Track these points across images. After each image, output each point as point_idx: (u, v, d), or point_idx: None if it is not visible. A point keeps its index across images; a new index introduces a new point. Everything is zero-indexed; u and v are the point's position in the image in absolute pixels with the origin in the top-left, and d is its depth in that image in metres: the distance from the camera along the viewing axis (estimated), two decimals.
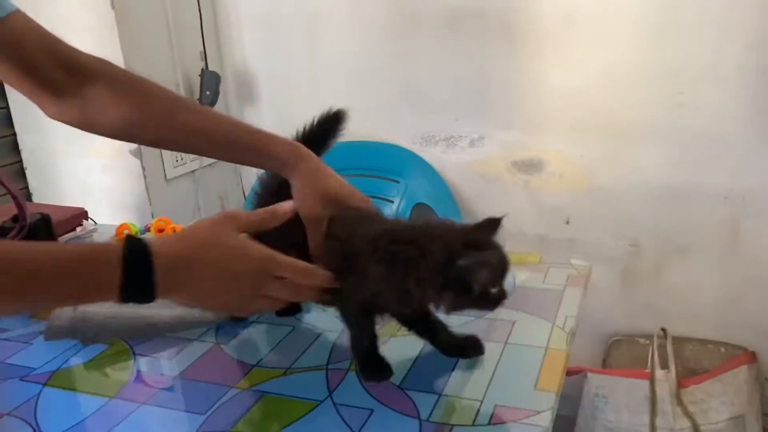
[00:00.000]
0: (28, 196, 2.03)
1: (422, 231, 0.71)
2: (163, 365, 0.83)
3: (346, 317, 0.78)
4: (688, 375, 1.71)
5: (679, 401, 1.65)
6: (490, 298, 0.70)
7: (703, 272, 1.74)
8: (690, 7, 1.57)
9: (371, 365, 0.77)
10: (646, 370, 1.69)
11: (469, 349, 0.79)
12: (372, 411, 0.70)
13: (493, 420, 0.67)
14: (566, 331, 0.83)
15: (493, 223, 0.72)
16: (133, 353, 0.87)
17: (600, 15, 1.66)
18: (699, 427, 1.62)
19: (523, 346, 0.81)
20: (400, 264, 0.69)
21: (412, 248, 0.68)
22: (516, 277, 1.00)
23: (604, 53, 1.68)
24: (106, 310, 0.94)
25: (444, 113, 1.90)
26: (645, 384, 1.67)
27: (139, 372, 0.82)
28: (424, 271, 0.67)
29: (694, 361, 1.76)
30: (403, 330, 0.82)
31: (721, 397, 1.65)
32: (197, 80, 1.93)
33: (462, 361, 0.78)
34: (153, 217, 1.86)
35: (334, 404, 0.72)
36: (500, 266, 0.69)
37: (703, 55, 1.58)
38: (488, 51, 1.79)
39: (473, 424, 0.67)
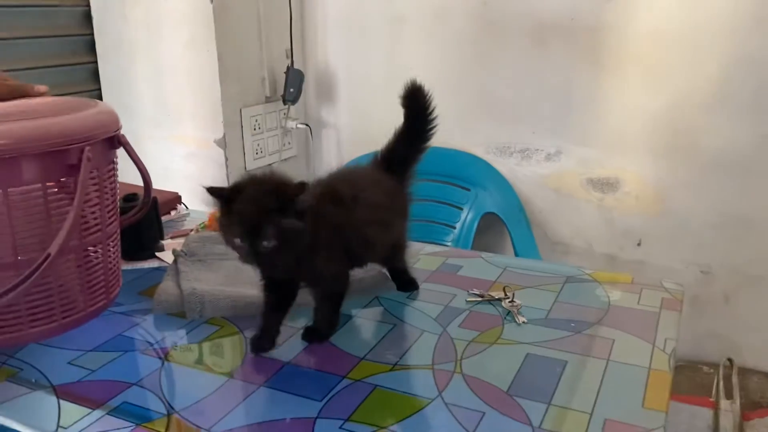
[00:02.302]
0: None
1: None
2: (274, 350, 0.87)
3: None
4: (752, 408, 1.69)
5: None
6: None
7: None
8: None
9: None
10: (710, 399, 1.68)
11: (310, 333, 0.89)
12: (484, 414, 0.73)
13: None
14: (667, 353, 0.85)
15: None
16: (243, 334, 0.91)
17: (689, 36, 1.66)
18: None
19: (625, 365, 0.82)
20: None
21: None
22: (610, 295, 1.02)
23: (690, 76, 1.68)
24: (210, 287, 0.99)
25: (521, 125, 1.91)
26: (707, 413, 1.66)
27: (251, 354, 0.86)
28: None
29: (760, 393, 1.74)
30: (505, 337, 0.86)
31: None
32: (282, 77, 1.98)
33: (567, 373, 0.80)
34: None
35: (445, 404, 0.75)
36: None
37: None
38: (572, 66, 1.80)
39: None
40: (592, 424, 0.71)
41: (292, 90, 1.97)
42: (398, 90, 2.03)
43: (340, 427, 0.71)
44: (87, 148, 0.82)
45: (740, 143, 1.66)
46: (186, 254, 1.09)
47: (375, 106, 2.06)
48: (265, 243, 0.76)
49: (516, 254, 1.86)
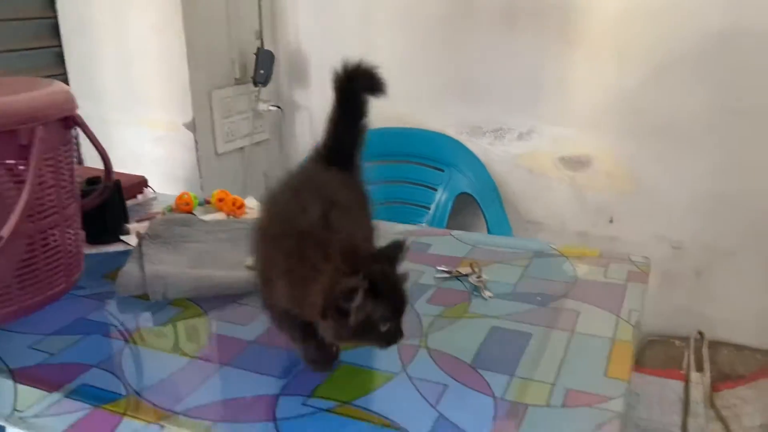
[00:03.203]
0: (79, 162, 2.08)
1: (325, 247, 0.66)
2: (237, 331, 0.86)
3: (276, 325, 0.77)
4: (722, 379, 1.72)
5: (712, 404, 1.66)
6: (380, 335, 0.66)
7: (744, 279, 1.75)
8: (755, 11, 1.56)
9: (317, 359, 0.75)
10: (681, 371, 1.70)
11: (317, 362, 0.76)
12: (447, 386, 0.73)
13: (567, 402, 0.70)
14: (632, 324, 0.85)
15: (395, 249, 0.67)
16: (207, 315, 0.90)
17: (658, 15, 1.66)
18: (731, 431, 1.63)
19: (589, 336, 0.83)
20: (300, 283, 0.66)
21: (310, 266, 0.65)
22: (576, 269, 1.02)
23: (661, 54, 1.68)
24: (174, 268, 0.97)
25: (493, 105, 1.91)
26: (678, 385, 1.69)
27: (215, 335, 0.86)
28: (314, 293, 0.65)
29: (729, 366, 1.76)
30: (471, 311, 0.85)
31: (754, 404, 1.66)
32: (252, 58, 1.96)
33: (531, 345, 0.80)
34: (203, 189, 1.91)
35: (409, 378, 0.75)
36: (391, 300, 0.65)
37: (764, 61, 1.58)
38: (543, 46, 1.79)
39: (547, 405, 0.69)
40: (554, 393, 0.71)
41: (262, 72, 1.95)
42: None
43: (303, 404, 0.70)
44: (39, 128, 0.80)
45: (710, 120, 1.67)
46: (150, 237, 1.08)
47: None
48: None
49: (489, 234, 1.86)
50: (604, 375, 0.74)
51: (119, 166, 1.99)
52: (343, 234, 0.68)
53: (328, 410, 0.69)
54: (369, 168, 2.26)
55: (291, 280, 0.67)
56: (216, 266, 1.01)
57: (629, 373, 0.74)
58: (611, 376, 0.74)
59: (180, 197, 1.30)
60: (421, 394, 0.72)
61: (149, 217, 1.25)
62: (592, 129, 1.82)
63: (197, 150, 1.89)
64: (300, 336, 0.73)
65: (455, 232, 1.19)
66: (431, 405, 0.70)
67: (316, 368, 0.75)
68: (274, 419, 0.68)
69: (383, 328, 0.65)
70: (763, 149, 1.64)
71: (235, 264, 1.01)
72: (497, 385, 0.73)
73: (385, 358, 0.79)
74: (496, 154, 1.94)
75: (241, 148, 2.02)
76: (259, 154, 2.10)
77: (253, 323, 0.88)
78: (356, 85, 0.81)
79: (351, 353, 0.80)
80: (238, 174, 2.03)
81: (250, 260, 1.00)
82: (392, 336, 0.67)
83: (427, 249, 1.13)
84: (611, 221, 1.85)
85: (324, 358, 0.75)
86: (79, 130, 0.93)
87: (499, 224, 1.89)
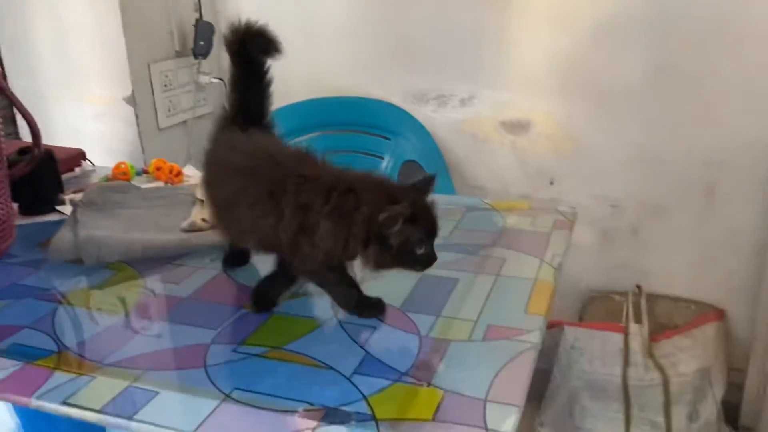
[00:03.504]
0: (16, 136, 2.03)
1: (364, 184, 0.71)
2: (172, 289, 0.87)
3: (317, 277, 0.77)
4: (659, 330, 1.80)
5: (651, 354, 1.74)
6: (416, 258, 0.71)
7: (678, 234, 1.82)
8: None
9: (365, 304, 0.78)
10: (621, 324, 1.77)
11: (367, 308, 0.78)
12: (375, 328, 0.75)
13: (487, 336, 0.73)
14: (554, 266, 0.89)
15: (427, 181, 0.73)
16: (142, 277, 0.91)
17: None
18: (668, 378, 1.71)
19: (513, 278, 0.86)
20: (344, 217, 0.69)
21: (352, 200, 0.69)
22: (506, 220, 1.05)
23: (595, 18, 1.72)
24: (108, 232, 0.97)
25: (435, 72, 1.93)
26: (619, 337, 1.76)
27: (149, 293, 0.86)
28: (357, 224, 0.69)
29: (666, 317, 1.84)
30: None
31: (689, 351, 1.74)
32: (191, 30, 1.93)
33: (458, 289, 0.83)
34: (146, 165, 1.89)
35: (340, 322, 0.77)
36: (425, 225, 0.71)
37: (692, 19, 1.63)
38: (481, 10, 1.82)
39: (469, 339, 0.72)
40: (476, 329, 0.74)
41: (202, 43, 1.93)
42: (314, 40, 2.03)
43: (234, 350, 0.72)
44: None
45: (642, 79, 1.72)
46: (84, 204, 1.07)
47: (290, 57, 2.03)
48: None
49: None
50: (524, 311, 0.78)
51: (60, 143, 1.97)
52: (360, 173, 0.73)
53: (258, 355, 0.71)
54: (316, 138, 2.27)
55: (333, 219, 0.70)
56: (151, 230, 1.01)
57: (548, 309, 0.78)
58: (531, 312, 0.78)
59: (117, 167, 1.30)
60: (350, 336, 0.74)
61: (86, 188, 1.24)
62: (531, 93, 1.85)
63: (138, 125, 1.86)
64: (346, 283, 0.76)
65: None
66: (359, 345, 0.72)
67: (364, 314, 0.77)
68: (205, 366, 0.69)
69: (419, 251, 0.71)
70: (691, 108, 1.70)
71: (170, 228, 1.02)
72: (423, 324, 0.76)
73: (316, 306, 0.81)
74: (440, 120, 1.96)
75: (184, 122, 2.00)
76: (203, 128, 2.09)
77: (187, 281, 0.89)
78: (250, 48, 0.82)
79: (284, 304, 0.82)
80: (182, 148, 2.01)
81: (185, 223, 1.01)
82: (428, 258, 0.72)
83: None
84: (552, 183, 1.90)
85: (371, 302, 0.78)
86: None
87: (445, 190, 1.93)
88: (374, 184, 0.72)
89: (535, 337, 0.72)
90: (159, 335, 0.76)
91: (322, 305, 0.81)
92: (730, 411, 1.79)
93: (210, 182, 0.83)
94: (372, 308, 0.78)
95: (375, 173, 0.75)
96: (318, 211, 0.70)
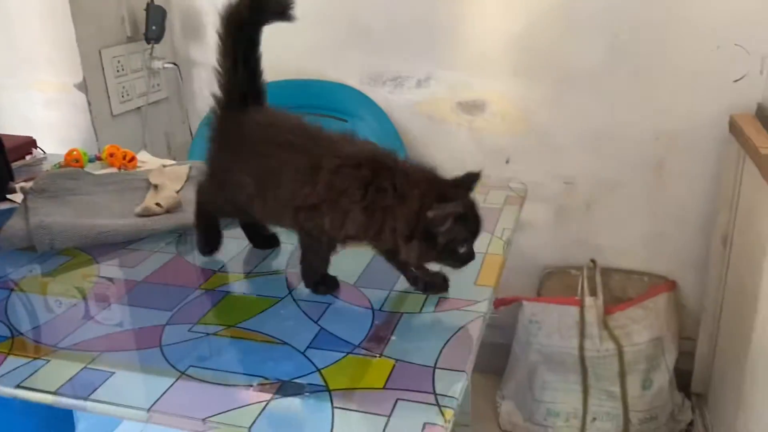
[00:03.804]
0: None
1: (407, 176, 0.71)
2: (127, 273, 0.87)
3: (313, 243, 0.78)
4: (614, 302, 1.85)
5: (606, 326, 1.79)
6: (458, 256, 0.72)
7: (630, 209, 1.87)
8: None
9: (325, 281, 0.80)
10: (576, 298, 1.82)
11: (435, 285, 0.79)
12: (329, 304, 0.77)
13: (438, 308, 0.75)
14: (503, 240, 0.92)
15: (471, 178, 0.73)
16: (97, 262, 0.90)
17: None
18: (622, 348, 1.77)
19: None
20: (380, 211, 0.70)
21: (394, 194, 0.69)
22: None
23: None
24: (61, 218, 0.97)
25: (391, 53, 1.94)
26: (575, 310, 1.80)
27: (104, 278, 0.86)
28: (399, 219, 0.69)
29: (620, 289, 1.90)
30: None
31: (642, 322, 1.80)
32: (143, 15, 1.90)
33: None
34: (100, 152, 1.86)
35: (294, 300, 0.78)
36: (471, 224, 0.72)
37: (642, 1, 1.67)
38: None
39: (420, 311, 0.74)
40: (427, 302, 0.76)
41: (154, 28, 1.90)
42: (267, 25, 2.01)
43: (189, 330, 0.73)
44: None
45: (595, 60, 1.76)
46: (36, 191, 1.06)
47: None
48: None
49: None
50: (474, 284, 0.80)
51: (11, 131, 1.92)
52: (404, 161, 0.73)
53: (213, 334, 0.72)
54: None
55: (368, 213, 0.70)
56: (105, 216, 1.01)
57: (496, 280, 0.81)
58: (480, 284, 0.80)
59: (69, 154, 1.28)
60: (304, 313, 0.76)
61: (37, 176, 1.22)
62: (487, 73, 1.88)
63: (91, 112, 1.83)
64: (323, 258, 0.78)
65: None
66: (313, 321, 0.74)
67: (319, 290, 0.79)
68: (160, 345, 0.70)
69: (461, 249, 0.71)
70: (641, 87, 1.74)
71: (125, 213, 1.02)
72: (376, 299, 0.77)
73: (272, 285, 0.82)
74: (397, 102, 1.98)
75: (138, 108, 1.97)
76: (158, 114, 2.06)
77: (143, 265, 0.89)
78: (264, 13, 0.85)
79: (239, 284, 0.83)
80: (137, 135, 1.98)
81: (139, 208, 1.01)
82: (467, 256, 0.73)
83: None
84: (507, 162, 1.93)
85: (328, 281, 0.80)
86: None
87: None
88: (421, 178, 0.71)
89: (483, 307, 0.74)
90: (114, 318, 0.77)
91: (278, 284, 0.82)
92: (682, 378, 1.86)
93: (241, 158, 0.80)
94: (325, 286, 0.80)
95: (418, 163, 0.75)
96: (353, 200, 0.70)
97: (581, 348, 1.78)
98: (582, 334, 1.79)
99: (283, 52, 2.07)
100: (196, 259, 0.91)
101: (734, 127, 1.59)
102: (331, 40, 1.97)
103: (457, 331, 0.70)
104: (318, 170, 0.72)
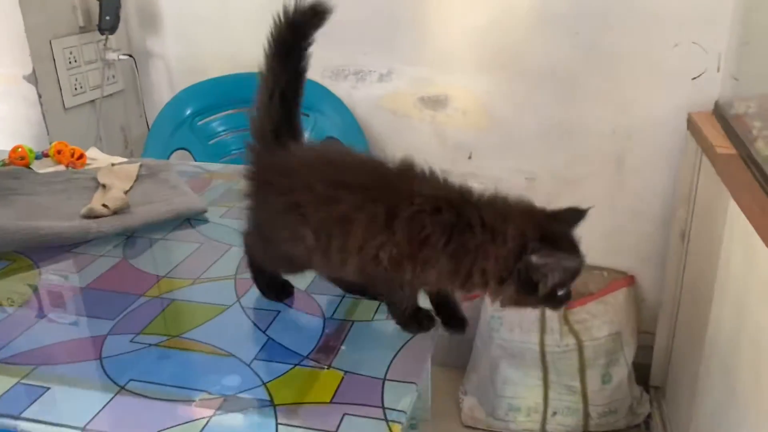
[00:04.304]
0: None
1: (496, 211, 0.63)
2: (70, 278, 0.84)
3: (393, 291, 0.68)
4: (575, 297, 1.86)
5: (566, 321, 1.80)
6: (556, 299, 0.64)
7: (591, 204, 1.87)
8: None
9: (417, 317, 0.70)
10: None
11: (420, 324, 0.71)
12: (279, 312, 0.75)
13: (390, 316, 0.73)
14: None
15: (577, 215, 0.66)
16: (38, 267, 0.87)
17: None
18: (582, 343, 1.78)
19: None
20: (469, 253, 0.61)
21: (484, 232, 0.61)
22: None
23: None
24: (1, 221, 0.93)
25: (353, 47, 1.91)
26: None
27: (44, 284, 0.83)
28: (491, 259, 0.61)
29: (581, 284, 1.91)
30: None
31: (602, 317, 1.81)
32: (95, 4, 1.84)
33: None
34: None
35: (243, 308, 0.76)
36: (576, 268, 0.63)
37: None
38: None
39: (372, 320, 0.73)
40: (380, 309, 0.75)
41: (108, 18, 1.84)
42: (229, 14, 1.97)
43: (131, 341, 0.70)
44: None
45: (556, 56, 1.76)
46: None
47: (203, 32, 1.98)
48: None
49: None
50: None
51: None
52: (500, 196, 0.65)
53: (156, 345, 0.69)
54: (231, 116, 2.21)
55: (455, 255, 0.61)
56: (49, 217, 0.97)
57: None
58: None
59: (14, 150, 1.23)
60: (252, 321, 0.73)
61: None
62: (449, 68, 1.86)
63: (41, 104, 1.77)
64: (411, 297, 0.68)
65: None
66: (262, 331, 0.71)
67: (410, 329, 0.70)
68: (100, 358, 0.67)
69: (560, 292, 0.63)
70: (601, 84, 1.74)
71: (70, 214, 0.98)
72: (328, 307, 0.76)
73: (220, 292, 0.80)
74: (360, 96, 1.95)
75: (92, 101, 1.91)
76: (113, 107, 2.00)
77: (87, 270, 0.86)
78: (306, 27, 0.74)
79: (185, 291, 0.80)
80: (91, 129, 1.92)
81: (85, 209, 0.97)
82: (565, 298, 0.64)
83: None
84: (470, 157, 1.92)
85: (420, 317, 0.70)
86: None
87: None
88: (514, 211, 0.63)
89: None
90: (53, 329, 0.73)
91: (226, 291, 0.80)
92: (641, 372, 1.88)
93: (295, 205, 0.67)
94: (418, 323, 0.70)
95: (503, 194, 0.66)
96: (437, 248, 0.62)
97: (542, 343, 1.79)
98: (543, 330, 1.80)
99: (241, 44, 2.03)
100: (143, 263, 0.87)
101: (692, 125, 1.60)
102: None
103: (408, 341, 0.69)
104: (393, 218, 0.62)
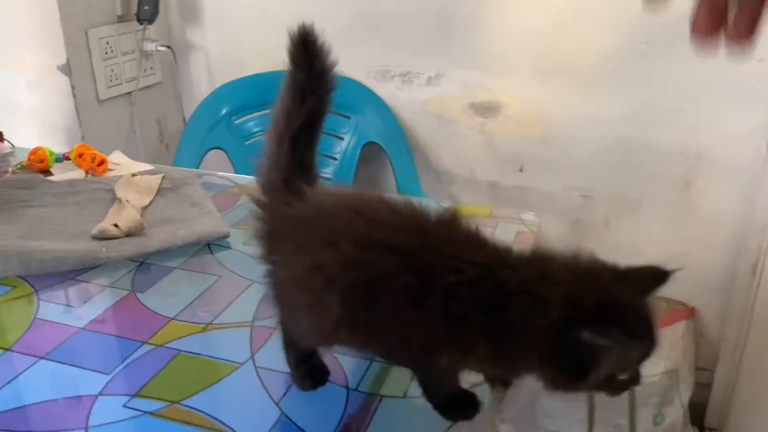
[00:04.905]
0: None
1: (541, 269, 0.50)
2: (69, 314, 0.75)
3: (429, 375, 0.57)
4: None
5: None
6: (616, 385, 0.50)
7: (652, 227, 1.73)
8: None
9: (459, 402, 0.59)
10: None
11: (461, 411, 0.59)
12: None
13: None
14: None
15: (656, 277, 0.51)
16: (38, 298, 0.78)
17: None
18: None
19: None
20: (513, 331, 0.48)
21: (526, 302, 0.48)
22: None
23: None
24: (3, 240, 0.84)
25: (401, 46, 1.79)
26: None
27: (41, 321, 0.74)
28: (533, 333, 0.48)
29: None
30: None
31: (658, 352, 1.66)
32: None
33: None
34: (83, 140, 1.73)
35: (256, 368, 0.66)
36: (642, 346, 0.49)
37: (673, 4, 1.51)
38: None
39: (404, 396, 0.62)
40: (413, 384, 0.63)
41: (146, 8, 1.76)
42: (270, 7, 1.87)
43: (125, 405, 0.60)
44: None
45: (618, 65, 1.61)
46: None
47: (245, 24, 1.88)
48: None
49: (397, 185, 1.78)
50: None
51: None
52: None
53: (151, 413, 0.59)
54: (269, 116, 2.11)
55: (497, 335, 0.49)
56: (55, 236, 0.88)
57: None
58: None
59: (33, 153, 1.15)
60: (265, 388, 0.63)
61: None
62: (503, 73, 1.73)
63: (74, 96, 1.70)
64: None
65: None
66: (274, 402, 0.61)
67: (449, 416, 0.59)
68: (86, 427, 0.58)
69: (623, 376, 0.50)
70: (669, 95, 1.59)
71: (77, 234, 0.89)
72: (354, 374, 0.64)
73: (231, 344, 0.69)
74: (405, 99, 1.83)
75: (128, 93, 1.84)
76: (149, 99, 1.93)
77: (88, 304, 0.77)
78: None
79: (194, 339, 0.70)
80: (125, 121, 1.85)
81: (96, 229, 0.88)
82: (630, 383, 0.51)
83: None
84: (521, 170, 1.79)
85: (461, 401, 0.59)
86: None
87: (407, 174, 1.81)
88: (566, 271, 0.50)
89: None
90: (38, 382, 0.64)
91: (240, 342, 0.69)
92: (696, 411, 1.73)
93: (319, 268, 0.53)
94: (459, 409, 0.59)
95: (559, 250, 0.52)
96: (476, 329, 0.49)
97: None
98: None
99: (283, 40, 1.93)
100: (152, 299, 0.78)
101: None
102: (337, 29, 1.79)
103: (449, 427, 0.57)
104: (427, 291, 0.49)
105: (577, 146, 1.71)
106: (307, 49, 0.59)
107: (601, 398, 1.67)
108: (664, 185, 1.68)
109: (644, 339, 0.49)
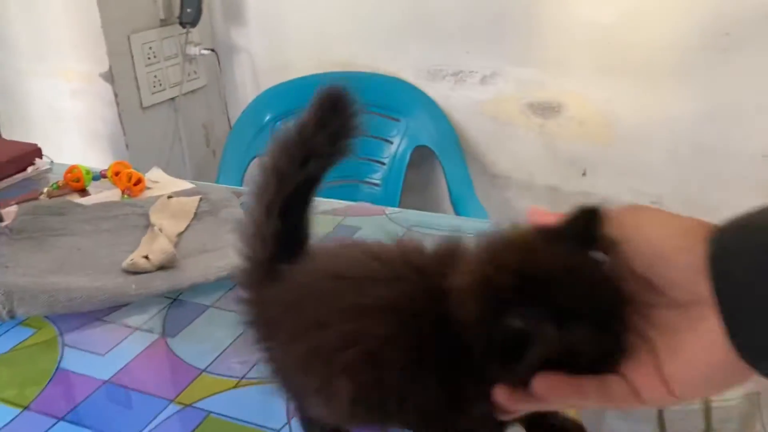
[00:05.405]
0: None
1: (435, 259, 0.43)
2: (93, 363, 0.69)
3: None
4: None
5: None
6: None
7: None
8: None
9: None
10: None
11: None
12: None
13: None
14: None
15: (588, 220, 0.40)
16: (62, 343, 0.72)
17: None
18: (710, 403, 1.51)
19: None
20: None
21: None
22: None
23: None
24: (26, 278, 0.79)
25: (453, 44, 1.69)
26: None
27: (63, 371, 0.68)
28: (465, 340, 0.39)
29: None
30: None
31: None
32: None
33: None
34: (128, 148, 1.70)
35: None
36: (600, 322, 0.37)
37: None
38: None
39: None
40: None
41: (189, 10, 1.71)
42: (317, 6, 1.79)
43: None
44: None
45: (694, 60, 1.47)
46: (11, 231, 0.88)
47: (290, 26, 1.81)
48: None
49: (450, 191, 1.68)
50: None
51: (37, 126, 1.78)
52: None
53: None
54: None
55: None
56: (85, 269, 0.82)
57: None
58: None
59: (69, 172, 1.10)
60: None
61: (30, 198, 1.06)
62: (563, 71, 1.61)
63: (118, 104, 1.67)
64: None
65: (390, 211, 1.01)
66: None
67: None
68: None
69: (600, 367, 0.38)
70: (749, 92, 1.44)
71: (108, 266, 0.83)
72: None
73: (265, 404, 0.62)
74: (458, 100, 1.73)
75: (172, 99, 1.79)
76: (194, 104, 1.88)
77: (114, 351, 0.70)
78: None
79: (226, 398, 0.63)
80: (169, 128, 1.81)
81: (126, 262, 0.82)
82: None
83: (354, 232, 0.95)
84: (584, 174, 1.67)
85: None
86: None
87: (460, 179, 1.71)
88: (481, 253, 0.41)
89: None
90: None
91: (275, 402, 0.62)
92: None
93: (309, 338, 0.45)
94: None
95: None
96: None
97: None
98: None
99: (330, 40, 1.85)
100: (183, 344, 0.71)
101: None
102: (385, 27, 1.73)
103: None
104: (423, 356, 0.42)
105: (646, 149, 1.58)
106: (336, 113, 0.48)
107: (672, 422, 1.54)
108: (744, 192, 1.53)
109: (590, 314, 0.36)
